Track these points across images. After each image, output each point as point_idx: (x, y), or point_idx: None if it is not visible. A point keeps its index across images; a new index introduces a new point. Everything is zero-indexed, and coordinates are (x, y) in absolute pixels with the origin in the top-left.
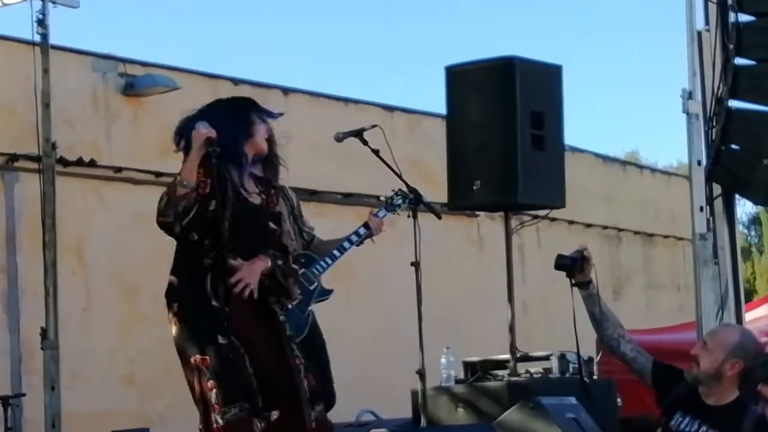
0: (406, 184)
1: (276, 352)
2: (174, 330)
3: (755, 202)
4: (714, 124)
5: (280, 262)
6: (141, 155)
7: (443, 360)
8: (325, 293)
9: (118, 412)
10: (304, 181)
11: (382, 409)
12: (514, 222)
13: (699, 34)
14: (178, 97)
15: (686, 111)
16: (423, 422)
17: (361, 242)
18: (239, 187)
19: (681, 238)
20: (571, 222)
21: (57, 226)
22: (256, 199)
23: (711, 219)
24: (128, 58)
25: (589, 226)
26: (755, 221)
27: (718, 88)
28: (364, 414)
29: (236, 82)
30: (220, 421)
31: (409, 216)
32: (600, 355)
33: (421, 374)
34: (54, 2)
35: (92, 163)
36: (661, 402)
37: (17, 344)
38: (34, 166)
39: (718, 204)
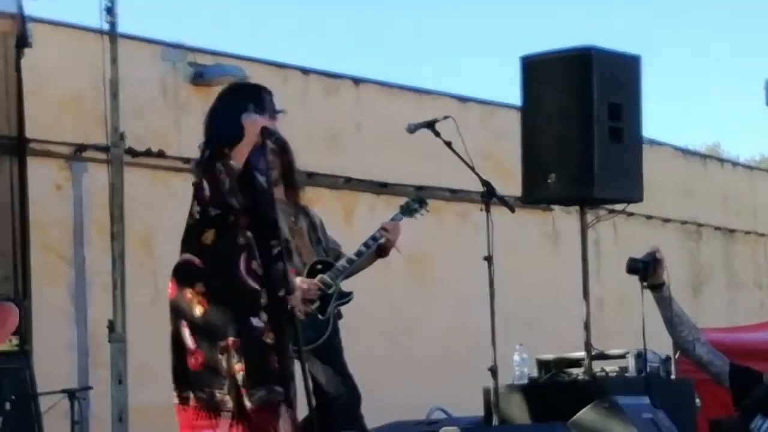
0: (480, 177)
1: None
2: (198, 310)
3: None
4: None
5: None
6: None
7: (516, 357)
8: (345, 296)
9: None
10: (375, 173)
11: (453, 407)
12: (590, 216)
13: None
14: None
15: None
16: (495, 421)
17: (383, 249)
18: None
19: (763, 234)
20: (649, 217)
21: (125, 217)
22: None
23: None
24: (197, 47)
25: (667, 221)
26: None
27: None
28: (434, 411)
29: (306, 71)
30: (248, 404)
31: (481, 210)
32: (678, 354)
33: (494, 371)
34: None
35: (161, 154)
36: (738, 404)
37: (84, 337)
38: (103, 156)
39: None
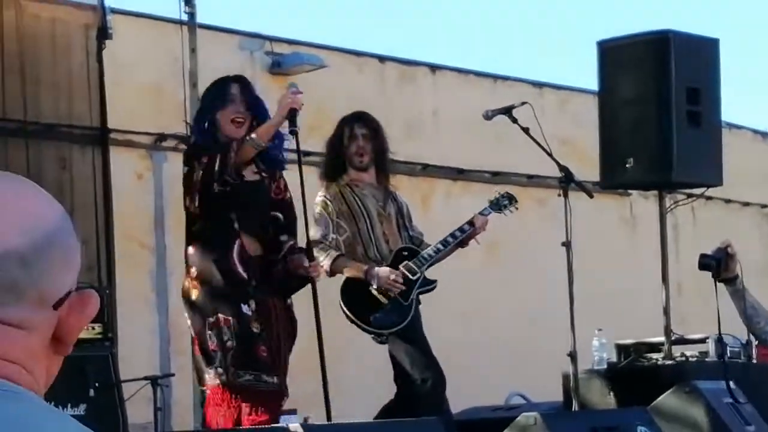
0: (557, 163)
1: (282, 330)
2: (194, 295)
3: None
4: None
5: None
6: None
7: (595, 342)
8: (428, 284)
9: None
10: (452, 160)
11: (532, 392)
12: (668, 201)
13: None
14: (324, 75)
15: None
16: (574, 406)
17: (465, 240)
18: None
19: None
20: (727, 201)
21: None
22: (253, 177)
23: None
24: (275, 36)
25: (746, 204)
26: None
27: None
28: (513, 397)
29: (382, 59)
30: (233, 381)
31: (559, 195)
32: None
33: (573, 357)
34: None
35: None
36: None
37: (166, 324)
38: (182, 146)
39: None
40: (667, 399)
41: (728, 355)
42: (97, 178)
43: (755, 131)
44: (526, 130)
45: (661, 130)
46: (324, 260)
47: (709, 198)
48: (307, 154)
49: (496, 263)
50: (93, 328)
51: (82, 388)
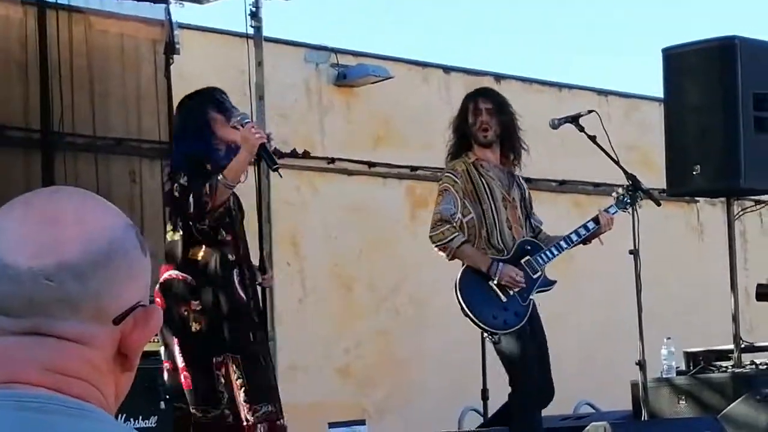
0: (624, 171)
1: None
2: (194, 327)
3: None
4: None
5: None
6: (354, 146)
7: (664, 351)
8: (548, 284)
9: (334, 403)
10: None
11: (601, 401)
12: (736, 208)
13: None
14: (390, 86)
15: None
16: (644, 415)
17: (589, 238)
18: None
19: None
20: None
21: (272, 218)
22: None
23: None
24: (340, 48)
25: None
26: None
27: None
28: (582, 406)
29: (447, 69)
30: (251, 419)
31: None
32: None
33: (642, 365)
34: None
35: (306, 155)
36: None
37: None
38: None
39: None
40: (737, 407)
41: None
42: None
43: None
44: (593, 138)
45: (728, 137)
46: (451, 242)
47: None
48: (373, 165)
49: (564, 271)
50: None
51: (152, 401)
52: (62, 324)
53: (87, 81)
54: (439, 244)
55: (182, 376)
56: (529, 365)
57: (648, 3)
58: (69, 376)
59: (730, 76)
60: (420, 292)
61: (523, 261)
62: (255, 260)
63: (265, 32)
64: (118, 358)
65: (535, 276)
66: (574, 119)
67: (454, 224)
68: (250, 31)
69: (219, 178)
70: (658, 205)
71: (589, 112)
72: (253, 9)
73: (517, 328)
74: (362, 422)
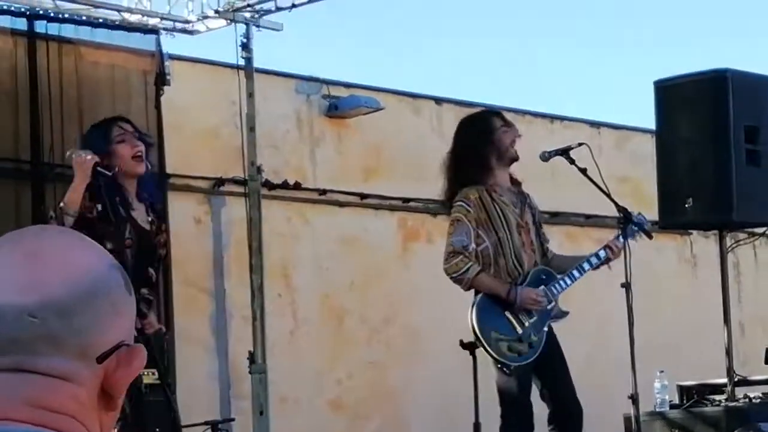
0: (615, 203)
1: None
2: None
3: None
4: None
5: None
6: (345, 177)
7: (657, 384)
8: (562, 314)
9: None
10: None
11: None
12: (729, 240)
13: None
14: (381, 117)
15: None
16: None
17: (600, 265)
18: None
19: None
20: None
21: (263, 249)
22: (145, 225)
23: None
24: (331, 80)
25: None
26: None
27: None
28: None
29: (439, 101)
30: None
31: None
32: None
33: (635, 399)
34: (258, 26)
35: (297, 186)
36: None
37: (226, 368)
38: (240, 189)
39: None
40: None
41: None
42: None
43: None
44: (584, 171)
45: (720, 170)
46: (466, 273)
47: None
48: (365, 196)
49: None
50: (153, 374)
51: None
52: (46, 361)
53: (77, 112)
54: (454, 276)
55: None
56: (518, 401)
57: (641, 36)
58: (55, 411)
59: (722, 108)
60: (412, 323)
61: (539, 290)
62: None
63: (256, 63)
64: (102, 397)
65: (549, 307)
66: (565, 152)
67: (467, 254)
68: (241, 62)
69: (61, 205)
70: (650, 237)
71: (580, 144)
72: (244, 40)
73: (530, 360)
74: None
